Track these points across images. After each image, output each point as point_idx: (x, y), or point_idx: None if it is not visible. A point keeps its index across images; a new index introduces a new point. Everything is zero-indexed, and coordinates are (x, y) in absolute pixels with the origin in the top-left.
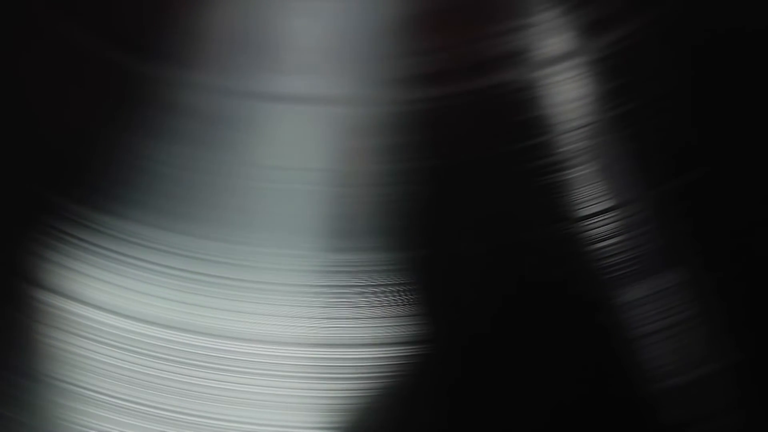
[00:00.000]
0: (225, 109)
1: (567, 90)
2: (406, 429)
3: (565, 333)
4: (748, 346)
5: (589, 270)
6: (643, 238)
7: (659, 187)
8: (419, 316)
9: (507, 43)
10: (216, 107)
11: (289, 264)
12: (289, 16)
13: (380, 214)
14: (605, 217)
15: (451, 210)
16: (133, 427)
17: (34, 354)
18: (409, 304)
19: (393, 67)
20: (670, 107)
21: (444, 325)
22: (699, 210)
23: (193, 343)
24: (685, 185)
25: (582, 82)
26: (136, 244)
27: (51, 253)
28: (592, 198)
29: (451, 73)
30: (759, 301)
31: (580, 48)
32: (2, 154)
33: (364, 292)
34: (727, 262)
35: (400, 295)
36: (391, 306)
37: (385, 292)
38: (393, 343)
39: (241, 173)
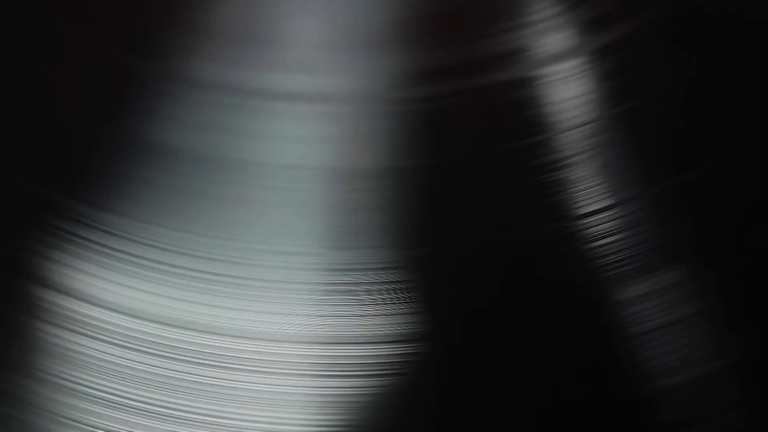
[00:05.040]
0: (225, 107)
1: (566, 88)
2: (407, 426)
3: (564, 331)
4: (749, 345)
5: (588, 268)
6: (642, 236)
7: (659, 185)
8: (418, 314)
9: (506, 42)
10: (216, 106)
11: (290, 262)
12: (289, 14)
13: (380, 213)
14: (605, 214)
15: (450, 208)
16: (134, 425)
17: (37, 352)
18: (409, 302)
19: (393, 65)
20: (670, 106)
21: (443, 323)
22: (699, 208)
23: (196, 341)
24: (684, 183)
25: (581, 80)
26: (137, 241)
27: (54, 252)
28: (592, 196)
29: (451, 72)
30: (759, 299)
31: (580, 46)
32: (3, 154)
33: (364, 290)
34: (727, 260)
35: (399, 293)
36: (390, 304)
37: (384, 290)
38: (393, 340)
39: (241, 173)
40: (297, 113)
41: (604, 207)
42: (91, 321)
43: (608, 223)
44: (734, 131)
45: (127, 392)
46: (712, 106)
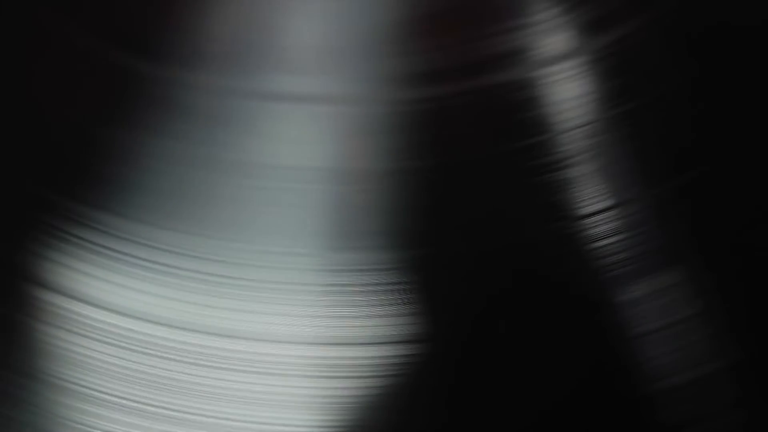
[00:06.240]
0: (225, 108)
1: (566, 89)
2: (407, 427)
3: (564, 332)
4: (749, 345)
5: (588, 269)
6: (642, 236)
7: (659, 186)
8: (419, 315)
9: (506, 43)
10: (216, 107)
11: (290, 263)
12: (289, 16)
13: (380, 214)
14: (605, 215)
15: (450, 209)
16: (134, 425)
17: (36, 353)
18: (409, 303)
19: (393, 66)
20: (670, 107)
21: (443, 324)
22: (699, 209)
23: (195, 342)
24: (684, 184)
25: (582, 81)
26: (137, 243)
27: (53, 252)
28: (592, 197)
29: (451, 73)
30: (759, 300)
31: (580, 47)
32: (4, 154)
33: (364, 291)
34: (727, 261)
35: (400, 294)
36: (391, 305)
37: (385, 291)
38: (393, 341)
39: (241, 173)
40: (297, 114)
41: (605, 208)
42: (90, 322)
43: (609, 224)
44: (734, 132)
45: (126, 393)
46: (712, 107)
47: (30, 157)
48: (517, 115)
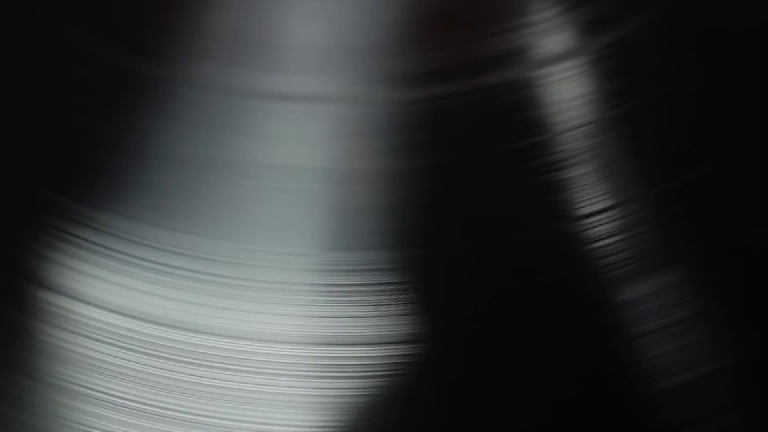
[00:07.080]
0: (224, 108)
1: (566, 89)
2: (407, 427)
3: (564, 332)
4: (748, 345)
5: (588, 269)
6: (642, 237)
7: (659, 186)
8: (419, 315)
9: (506, 42)
10: (216, 107)
11: (289, 263)
12: (288, 15)
13: (380, 214)
14: (605, 216)
15: (450, 209)
16: (134, 425)
17: (37, 353)
18: (409, 303)
19: (393, 66)
20: (670, 107)
21: (443, 324)
22: (698, 209)
23: (194, 341)
24: (684, 184)
25: (581, 81)
26: (137, 243)
27: (53, 253)
28: (592, 197)
29: (451, 73)
30: (759, 300)
31: (580, 47)
32: (4, 154)
33: (363, 291)
34: (726, 261)
35: (399, 294)
36: (390, 305)
37: (384, 290)
38: (393, 341)
39: (241, 173)
40: (296, 114)
41: (605, 208)
42: (89, 321)
43: (608, 224)
44: (734, 132)
45: (125, 393)
46: (712, 107)
47: (30, 157)
48: (517, 115)
